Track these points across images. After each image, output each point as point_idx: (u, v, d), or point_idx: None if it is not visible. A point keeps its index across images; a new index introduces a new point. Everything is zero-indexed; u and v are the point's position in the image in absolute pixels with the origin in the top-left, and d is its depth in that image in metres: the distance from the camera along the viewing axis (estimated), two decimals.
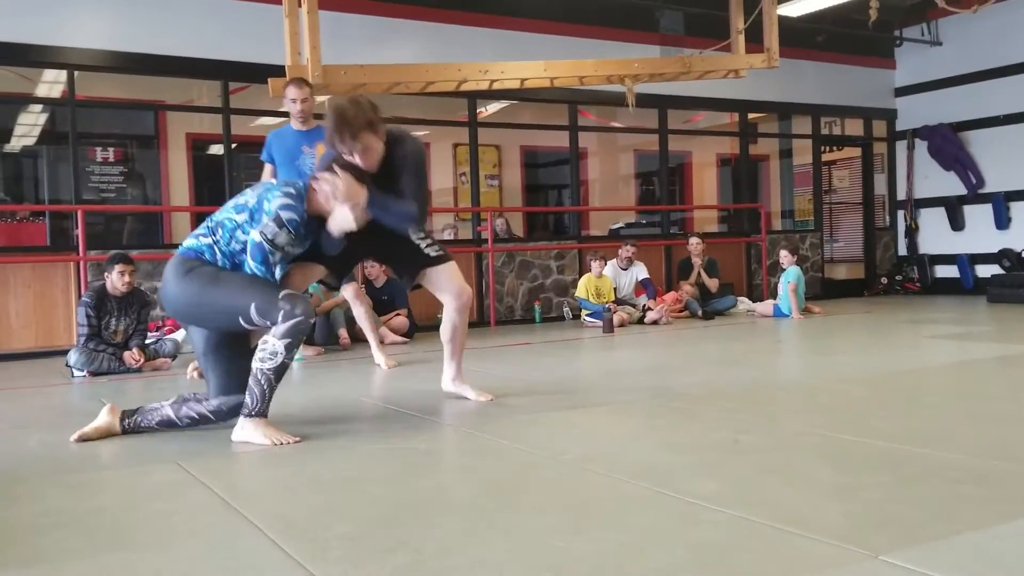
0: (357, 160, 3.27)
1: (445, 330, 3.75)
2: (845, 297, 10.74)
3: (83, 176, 7.93)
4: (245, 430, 3.07)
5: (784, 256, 8.27)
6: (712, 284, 8.60)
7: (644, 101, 8.48)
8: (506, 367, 5.19)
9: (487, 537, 1.95)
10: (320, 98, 6.01)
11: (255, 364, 3.05)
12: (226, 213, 3.18)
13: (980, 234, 10.52)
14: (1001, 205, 10.26)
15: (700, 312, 8.24)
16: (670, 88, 8.86)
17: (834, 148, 11.60)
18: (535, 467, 2.64)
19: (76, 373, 5.23)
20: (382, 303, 6.97)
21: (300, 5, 6.23)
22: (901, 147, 11.36)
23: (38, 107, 8.11)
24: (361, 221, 3.21)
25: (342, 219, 3.18)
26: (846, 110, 11.08)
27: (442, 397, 3.85)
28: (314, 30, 6.19)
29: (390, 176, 3.36)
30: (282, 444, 3.01)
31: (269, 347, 3.02)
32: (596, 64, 7.49)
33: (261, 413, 3.07)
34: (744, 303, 8.95)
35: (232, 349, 3.22)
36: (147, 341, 5.62)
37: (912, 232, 11.25)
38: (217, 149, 8.46)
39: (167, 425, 3.27)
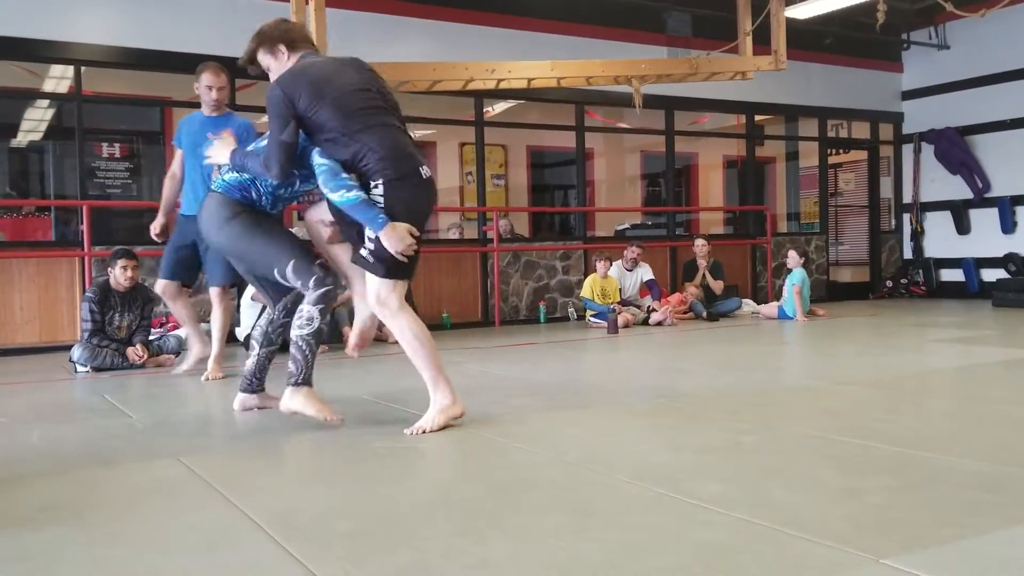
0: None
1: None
2: (850, 300, 10.71)
3: (89, 172, 7.95)
4: (295, 400, 3.17)
5: (792, 256, 8.26)
6: (717, 286, 8.58)
7: (651, 102, 8.47)
8: (510, 367, 5.18)
9: (489, 537, 1.94)
10: None
11: (294, 332, 3.18)
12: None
13: (986, 238, 10.48)
14: (1007, 209, 10.23)
15: (704, 314, 8.23)
16: (677, 89, 8.84)
17: (840, 151, 11.57)
18: (538, 467, 2.63)
19: (79, 369, 5.24)
20: None
21: (307, 3, 6.22)
22: (907, 150, 11.33)
23: (45, 102, 8.11)
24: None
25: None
26: (853, 113, 11.05)
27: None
28: (321, 28, 6.18)
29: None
30: (328, 420, 3.15)
31: (305, 314, 3.17)
32: (603, 65, 7.47)
33: (306, 381, 3.19)
34: (749, 305, 8.93)
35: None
36: (151, 337, 5.62)
37: (918, 235, 11.22)
38: None
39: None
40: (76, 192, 7.02)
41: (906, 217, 11.40)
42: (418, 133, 10.13)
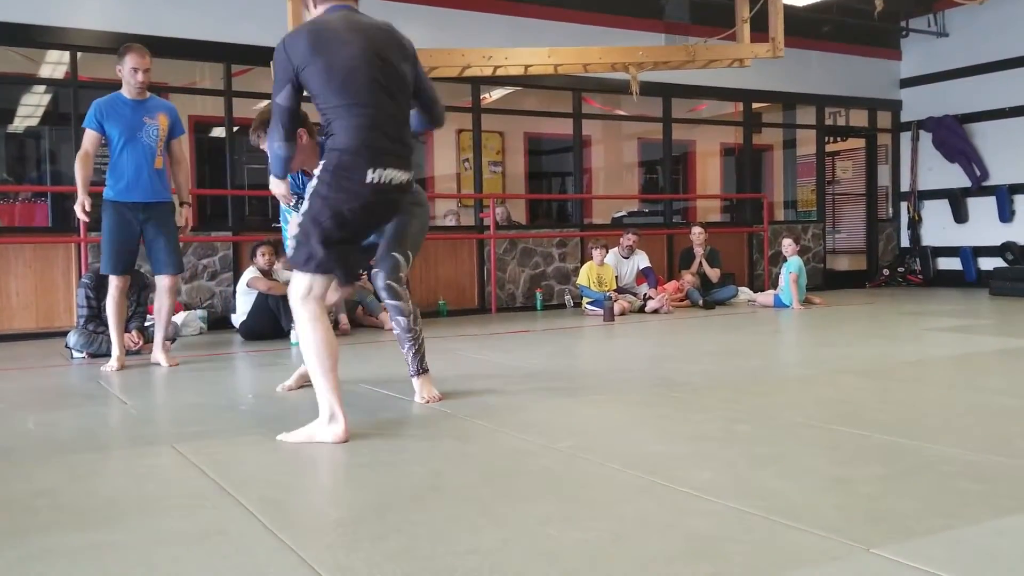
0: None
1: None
2: (847, 288, 10.72)
3: None
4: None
5: (787, 244, 8.26)
6: (713, 274, 8.58)
7: (648, 89, 8.44)
8: (505, 354, 5.19)
9: (480, 525, 1.95)
10: None
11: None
12: None
13: (983, 227, 10.48)
14: (1005, 198, 10.23)
15: (701, 302, 8.24)
16: (674, 76, 8.81)
17: (838, 139, 11.55)
18: (530, 455, 2.64)
19: (75, 354, 5.24)
20: None
21: None
22: (905, 138, 11.31)
23: (41, 88, 8.08)
24: None
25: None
26: (851, 101, 11.02)
27: (438, 384, 3.84)
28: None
29: None
30: (427, 401, 3.45)
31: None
32: (601, 51, 7.44)
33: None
34: (745, 293, 8.94)
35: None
36: (146, 324, 5.61)
37: (915, 224, 11.22)
38: (219, 131, 8.43)
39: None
40: (73, 178, 6.98)
41: (903, 205, 11.40)
42: None
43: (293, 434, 2.85)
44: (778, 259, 9.19)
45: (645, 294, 8.01)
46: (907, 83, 11.21)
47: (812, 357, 5.16)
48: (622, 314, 7.53)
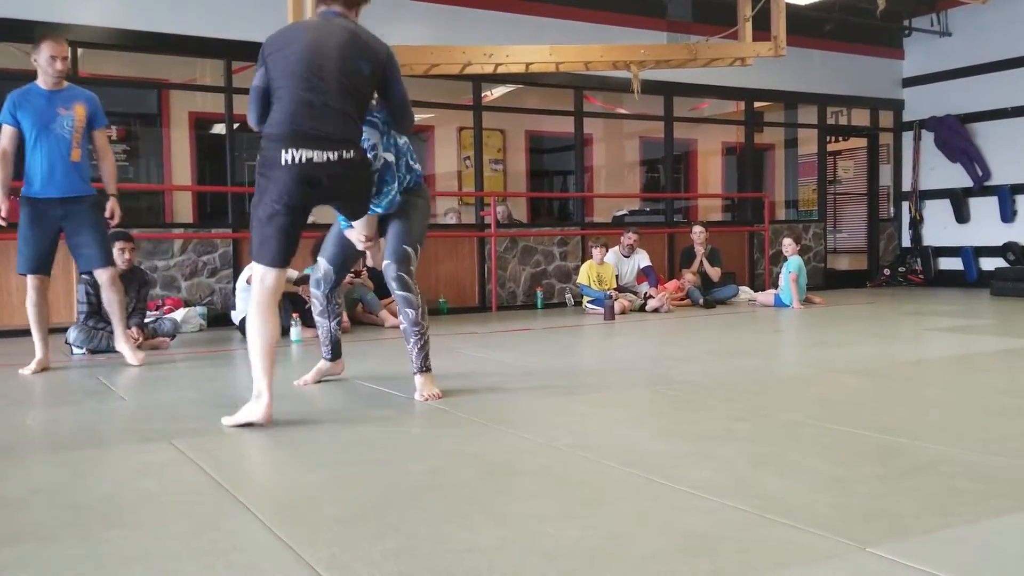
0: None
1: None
2: (847, 288, 10.71)
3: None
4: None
5: (787, 244, 8.25)
6: (714, 273, 8.58)
7: (650, 88, 8.43)
8: (505, 352, 5.18)
9: (478, 522, 1.95)
10: None
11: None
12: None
13: (985, 227, 10.46)
14: (1007, 198, 10.21)
15: (701, 301, 8.23)
16: (676, 75, 8.80)
17: (840, 138, 11.54)
18: (528, 453, 2.64)
19: (75, 350, 5.24)
20: (383, 287, 6.96)
21: None
22: (907, 138, 11.30)
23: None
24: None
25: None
26: (853, 100, 11.01)
27: (437, 381, 3.84)
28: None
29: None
30: (426, 399, 3.46)
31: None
32: (602, 49, 7.43)
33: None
34: (746, 292, 8.94)
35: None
36: (146, 320, 5.62)
37: (916, 224, 11.21)
38: (220, 128, 8.43)
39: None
40: None
41: (905, 205, 11.38)
42: (416, 117, 10.09)
43: (233, 417, 3.05)
44: (779, 258, 9.18)
45: (645, 293, 8.01)
46: (909, 82, 11.20)
47: (812, 357, 5.16)
48: (622, 313, 7.52)
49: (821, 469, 2.37)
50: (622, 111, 10.48)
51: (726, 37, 7.59)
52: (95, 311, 5.30)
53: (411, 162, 3.59)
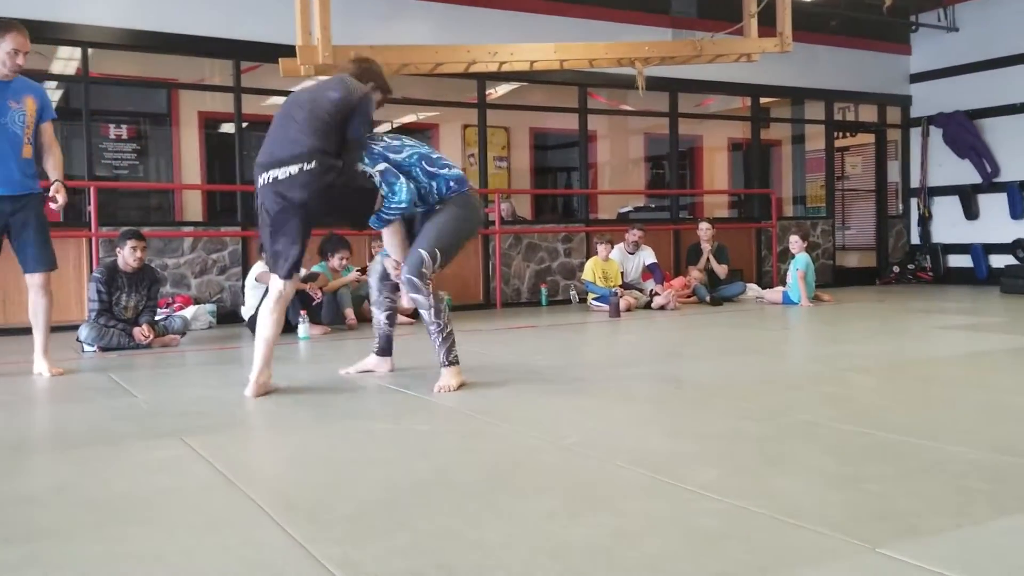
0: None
1: None
2: (856, 285, 10.69)
3: (96, 153, 7.96)
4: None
5: (794, 241, 8.22)
6: (721, 270, 8.57)
7: (655, 84, 8.41)
8: (510, 350, 5.20)
9: (486, 520, 1.96)
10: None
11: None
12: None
13: (994, 223, 10.41)
14: (1016, 194, 10.16)
15: (708, 298, 8.22)
16: (681, 72, 8.78)
17: (847, 134, 11.51)
18: (536, 451, 2.65)
19: (87, 348, 5.28)
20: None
21: None
22: (915, 134, 11.26)
23: (52, 83, 8.10)
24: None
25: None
26: (860, 96, 10.98)
27: (438, 377, 3.85)
28: (325, 10, 6.16)
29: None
30: (438, 391, 3.58)
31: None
32: (607, 47, 7.43)
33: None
34: (753, 290, 8.91)
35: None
36: (157, 317, 5.66)
37: (925, 220, 11.17)
38: (228, 128, 8.46)
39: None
40: (84, 173, 7.04)
41: (913, 202, 11.34)
42: (420, 115, 10.11)
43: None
44: (786, 256, 9.16)
45: (651, 290, 8.00)
46: (917, 78, 11.16)
47: (820, 355, 5.15)
48: (628, 310, 7.52)
49: (830, 468, 2.38)
50: (627, 108, 10.46)
51: (731, 33, 7.57)
52: (106, 309, 5.34)
53: (430, 168, 3.75)
